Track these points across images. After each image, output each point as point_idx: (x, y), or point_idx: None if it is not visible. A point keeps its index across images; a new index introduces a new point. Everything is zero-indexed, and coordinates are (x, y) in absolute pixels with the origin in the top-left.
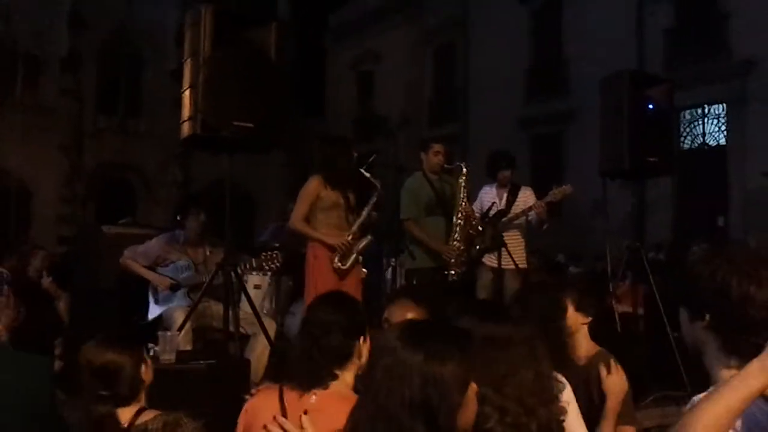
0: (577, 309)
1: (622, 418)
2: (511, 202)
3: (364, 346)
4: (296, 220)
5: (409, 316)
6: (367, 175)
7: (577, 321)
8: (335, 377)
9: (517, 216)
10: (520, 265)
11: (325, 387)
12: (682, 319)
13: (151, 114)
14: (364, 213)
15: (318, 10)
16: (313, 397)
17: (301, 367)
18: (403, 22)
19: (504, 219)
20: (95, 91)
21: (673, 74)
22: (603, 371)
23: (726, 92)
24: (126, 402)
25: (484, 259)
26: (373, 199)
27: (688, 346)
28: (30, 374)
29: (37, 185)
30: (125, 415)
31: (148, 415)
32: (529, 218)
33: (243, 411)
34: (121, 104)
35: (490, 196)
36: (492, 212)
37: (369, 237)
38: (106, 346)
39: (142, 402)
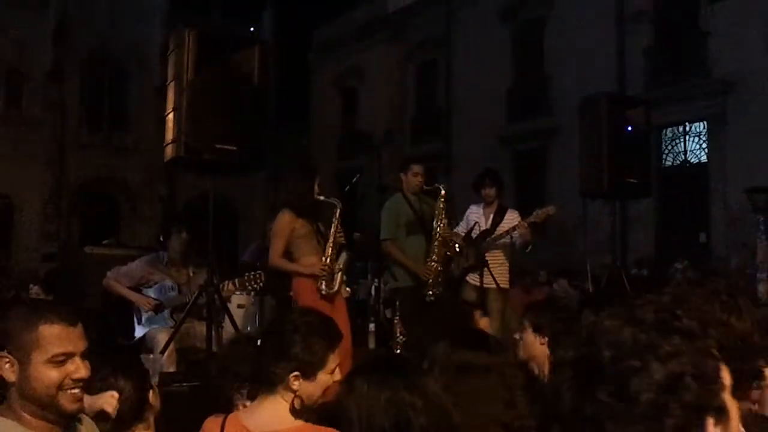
0: (535, 330)
1: None
2: (497, 222)
3: (296, 381)
4: (274, 258)
5: None
6: (322, 198)
7: (535, 343)
8: (267, 397)
9: (501, 235)
10: (501, 285)
11: (262, 408)
12: None
13: (135, 129)
14: (331, 232)
15: (302, 26)
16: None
17: (255, 369)
18: (386, 39)
19: (488, 239)
20: (79, 105)
21: (654, 92)
22: None
23: (706, 110)
24: (128, 426)
25: (467, 278)
26: (336, 216)
27: None
28: None
29: (20, 200)
30: None
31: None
32: (513, 239)
33: None
34: (106, 119)
35: (476, 216)
36: (475, 232)
37: (346, 254)
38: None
39: (152, 428)
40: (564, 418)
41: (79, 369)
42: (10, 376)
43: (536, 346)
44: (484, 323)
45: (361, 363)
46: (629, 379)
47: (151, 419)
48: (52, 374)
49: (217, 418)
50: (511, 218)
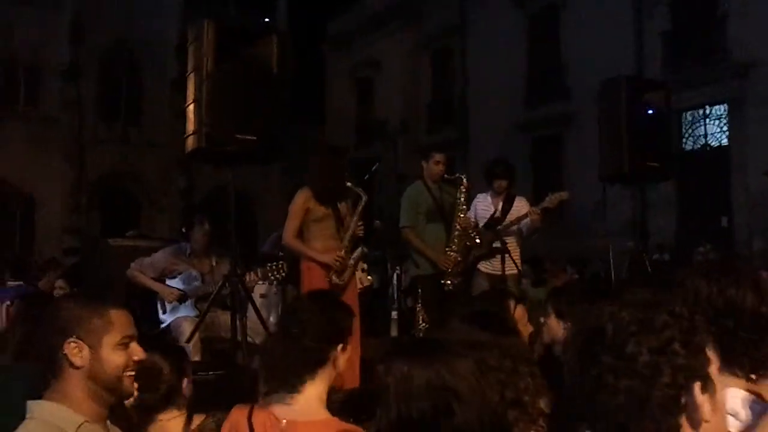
0: (557, 316)
1: None
2: (506, 210)
3: (342, 355)
4: (288, 236)
5: None
6: (350, 184)
7: (558, 327)
8: (303, 382)
9: (512, 223)
10: (514, 271)
11: (293, 395)
12: None
13: (151, 123)
14: (352, 224)
15: (316, 17)
16: (284, 421)
17: (273, 367)
18: (401, 29)
19: (499, 227)
20: (96, 101)
21: (672, 76)
22: None
23: (726, 93)
24: (162, 408)
25: (479, 267)
26: (359, 209)
27: None
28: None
29: (41, 196)
30: (177, 422)
31: (198, 419)
32: (521, 225)
33: None
34: (122, 114)
35: (484, 205)
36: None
37: (361, 248)
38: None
39: (185, 414)
40: (572, 380)
41: (138, 351)
42: (79, 361)
43: (559, 331)
44: (519, 313)
45: (399, 345)
46: (627, 345)
47: (183, 405)
48: (120, 357)
49: (244, 407)
50: (520, 206)
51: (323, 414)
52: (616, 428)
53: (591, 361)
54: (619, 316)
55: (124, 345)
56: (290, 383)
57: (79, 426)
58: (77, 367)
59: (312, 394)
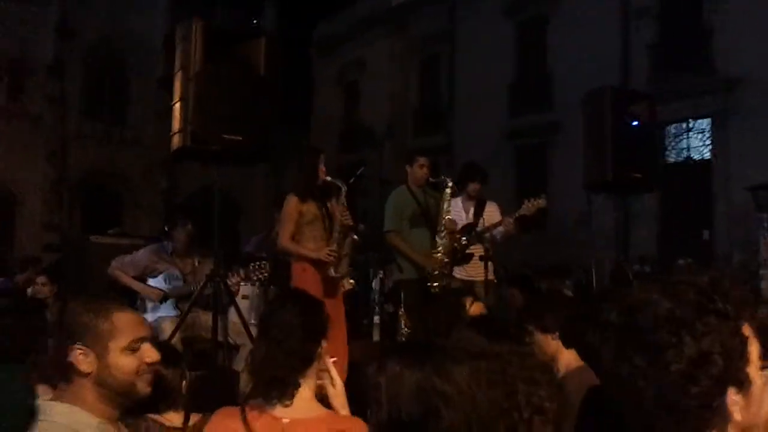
0: (543, 331)
1: None
2: (478, 214)
3: (323, 351)
4: (284, 240)
5: None
6: (328, 178)
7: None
8: (297, 386)
9: (487, 229)
10: (490, 277)
11: (290, 399)
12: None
13: (136, 122)
14: (337, 215)
15: (304, 20)
16: (285, 421)
17: (263, 373)
18: (389, 34)
19: (473, 233)
20: (80, 98)
21: (658, 88)
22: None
23: (710, 107)
24: (165, 408)
25: (454, 272)
26: (341, 199)
27: None
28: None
29: (22, 192)
30: (175, 419)
31: (195, 417)
32: (495, 233)
33: None
34: (107, 112)
35: (455, 210)
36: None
37: (351, 237)
38: None
39: (183, 414)
40: (603, 374)
41: (152, 353)
42: (86, 367)
43: (549, 344)
44: (475, 309)
45: (394, 345)
46: (664, 351)
47: (182, 405)
48: (130, 361)
49: (232, 409)
50: (491, 210)
51: (320, 410)
52: (642, 429)
53: (623, 358)
54: (657, 311)
55: (133, 348)
56: (282, 385)
57: (94, 427)
58: (85, 374)
59: (305, 393)
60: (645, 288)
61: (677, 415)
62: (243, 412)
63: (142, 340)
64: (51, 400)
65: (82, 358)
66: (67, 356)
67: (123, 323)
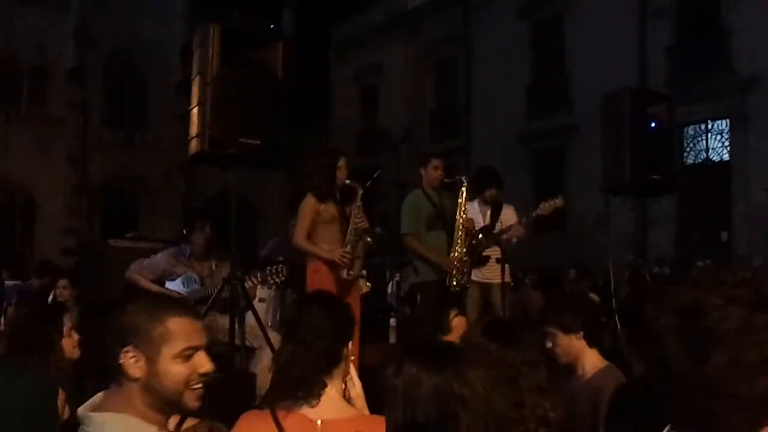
0: (566, 332)
1: None
2: (495, 217)
3: (348, 352)
4: (300, 238)
5: None
6: (347, 181)
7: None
8: (324, 386)
9: (503, 231)
10: (504, 280)
11: (317, 399)
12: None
13: (155, 126)
14: (352, 218)
15: (321, 24)
16: (319, 422)
17: (291, 374)
18: (405, 37)
19: (489, 236)
20: (101, 103)
21: (676, 90)
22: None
23: (729, 108)
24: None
25: (471, 275)
26: (357, 202)
27: None
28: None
29: (43, 197)
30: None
31: (191, 422)
32: (507, 236)
33: None
34: (127, 117)
35: (472, 213)
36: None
37: (366, 238)
38: None
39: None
40: (681, 377)
41: (205, 363)
42: (136, 372)
43: (573, 344)
44: (458, 322)
45: (413, 348)
46: (744, 350)
47: None
48: (181, 369)
49: (259, 413)
50: (507, 213)
51: (350, 410)
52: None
53: (701, 360)
54: (727, 314)
55: (185, 356)
56: (308, 386)
57: None
58: (135, 378)
59: (334, 393)
60: (702, 289)
61: (745, 408)
62: (273, 413)
63: (197, 348)
64: (100, 404)
65: (132, 362)
66: (117, 358)
67: (178, 329)
